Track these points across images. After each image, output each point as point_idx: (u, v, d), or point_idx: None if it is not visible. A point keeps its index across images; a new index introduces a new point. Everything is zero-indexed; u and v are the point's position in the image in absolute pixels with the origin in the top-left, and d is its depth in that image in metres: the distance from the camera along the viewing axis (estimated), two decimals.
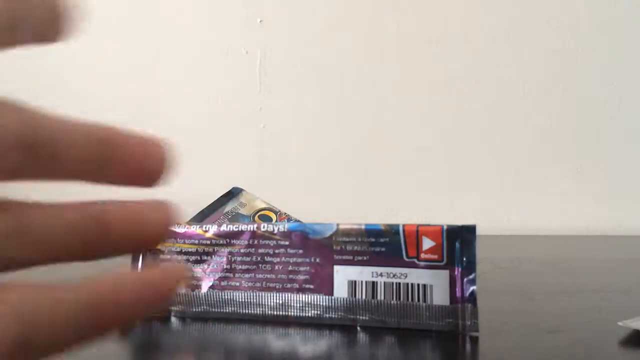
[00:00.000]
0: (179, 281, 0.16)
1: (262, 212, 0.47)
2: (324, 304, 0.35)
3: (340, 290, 0.34)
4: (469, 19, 0.84)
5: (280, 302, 0.35)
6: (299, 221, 0.38)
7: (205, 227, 0.37)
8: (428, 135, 0.84)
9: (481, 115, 0.84)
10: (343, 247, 0.35)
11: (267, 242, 0.36)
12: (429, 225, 0.34)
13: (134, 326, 0.15)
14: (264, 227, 0.36)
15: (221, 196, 0.48)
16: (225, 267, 0.36)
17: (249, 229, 0.36)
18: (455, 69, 0.84)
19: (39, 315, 0.13)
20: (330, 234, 0.35)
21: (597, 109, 0.84)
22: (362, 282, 0.34)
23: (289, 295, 0.35)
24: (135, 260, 0.37)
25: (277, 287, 0.35)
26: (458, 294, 0.33)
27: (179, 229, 0.37)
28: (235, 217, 0.46)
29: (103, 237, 0.15)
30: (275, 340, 0.33)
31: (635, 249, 0.71)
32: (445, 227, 0.33)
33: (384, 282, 0.34)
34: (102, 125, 0.15)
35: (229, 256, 0.36)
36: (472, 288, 0.33)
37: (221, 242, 0.36)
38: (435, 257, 0.33)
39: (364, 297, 0.34)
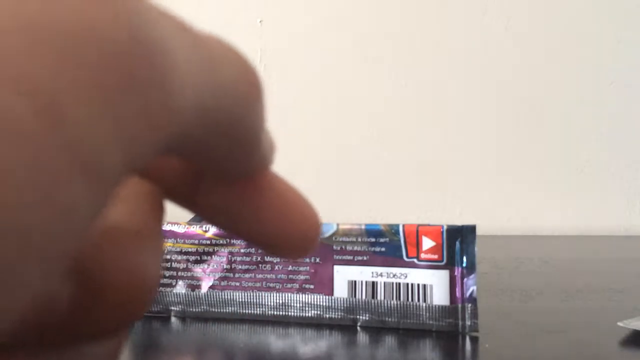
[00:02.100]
0: None
1: None
2: (324, 304, 0.35)
3: (340, 290, 0.34)
4: (469, 20, 0.84)
5: (280, 302, 0.35)
6: None
7: (205, 227, 0.37)
8: (428, 135, 0.84)
9: (481, 114, 0.84)
10: (343, 247, 0.35)
11: None
12: (429, 225, 0.34)
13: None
14: None
15: None
16: (225, 267, 0.36)
17: None
18: (455, 69, 0.84)
19: None
20: (330, 234, 0.35)
21: (597, 108, 0.84)
22: (362, 282, 0.34)
23: (289, 295, 0.35)
24: None
25: (277, 287, 0.35)
26: (458, 294, 0.33)
27: (179, 229, 0.37)
28: None
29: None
30: (275, 340, 0.33)
31: (635, 249, 0.71)
32: (445, 227, 0.33)
33: (384, 282, 0.34)
34: None
35: (229, 256, 0.36)
36: (472, 288, 0.33)
37: (221, 242, 0.36)
38: (435, 257, 0.33)
39: (364, 297, 0.34)
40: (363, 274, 0.34)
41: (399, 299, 0.34)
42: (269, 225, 0.13)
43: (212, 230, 0.36)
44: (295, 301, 0.35)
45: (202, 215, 0.13)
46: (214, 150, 0.11)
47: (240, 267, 0.36)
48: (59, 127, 0.07)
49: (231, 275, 0.36)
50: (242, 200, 0.12)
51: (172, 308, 0.36)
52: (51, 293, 0.09)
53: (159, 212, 0.12)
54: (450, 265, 0.33)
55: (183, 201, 0.13)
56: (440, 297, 0.33)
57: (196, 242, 0.36)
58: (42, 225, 0.07)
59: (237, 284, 0.36)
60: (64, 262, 0.08)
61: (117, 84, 0.08)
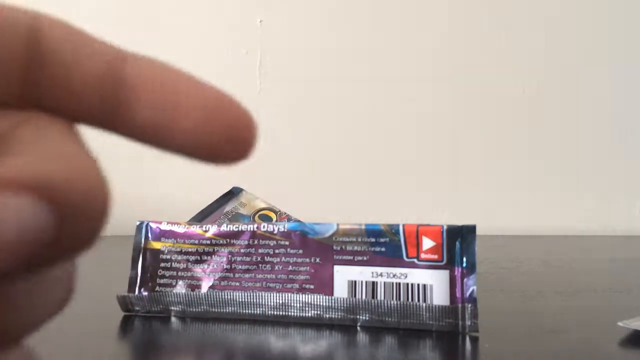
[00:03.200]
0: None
1: (262, 212, 0.47)
2: (324, 304, 0.35)
3: (340, 290, 0.34)
4: (470, 20, 0.84)
5: (280, 302, 0.35)
6: (299, 221, 0.38)
7: (205, 227, 0.37)
8: (428, 135, 0.84)
9: (481, 115, 0.84)
10: (343, 247, 0.35)
11: (267, 242, 0.36)
12: (429, 225, 0.34)
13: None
14: (264, 227, 0.36)
15: (221, 196, 0.48)
16: (225, 267, 0.36)
17: (249, 229, 0.36)
18: (455, 69, 0.84)
19: None
20: (330, 233, 0.35)
21: (597, 108, 0.84)
22: (362, 282, 0.34)
23: (289, 295, 0.35)
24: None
25: (277, 287, 0.35)
26: (458, 294, 0.33)
27: (179, 229, 0.37)
28: (235, 217, 0.46)
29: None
30: (275, 340, 0.33)
31: (635, 249, 0.71)
32: (445, 227, 0.33)
33: (384, 282, 0.34)
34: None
35: (229, 256, 0.36)
36: (472, 288, 0.33)
37: (221, 242, 0.36)
38: (435, 257, 0.33)
39: (364, 297, 0.34)
40: (363, 274, 0.34)
41: (399, 299, 0.34)
42: (195, 130, 0.12)
43: (212, 230, 0.36)
44: (295, 301, 0.35)
45: (125, 136, 0.13)
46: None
47: (240, 267, 0.36)
48: None
49: (231, 275, 0.36)
50: (159, 113, 0.12)
51: (172, 308, 0.36)
52: (41, 227, 0.10)
53: (79, 136, 0.12)
54: (450, 265, 0.33)
55: (104, 128, 0.13)
56: (440, 297, 0.33)
57: (196, 242, 0.36)
58: None
59: (237, 284, 0.36)
60: None
61: None
